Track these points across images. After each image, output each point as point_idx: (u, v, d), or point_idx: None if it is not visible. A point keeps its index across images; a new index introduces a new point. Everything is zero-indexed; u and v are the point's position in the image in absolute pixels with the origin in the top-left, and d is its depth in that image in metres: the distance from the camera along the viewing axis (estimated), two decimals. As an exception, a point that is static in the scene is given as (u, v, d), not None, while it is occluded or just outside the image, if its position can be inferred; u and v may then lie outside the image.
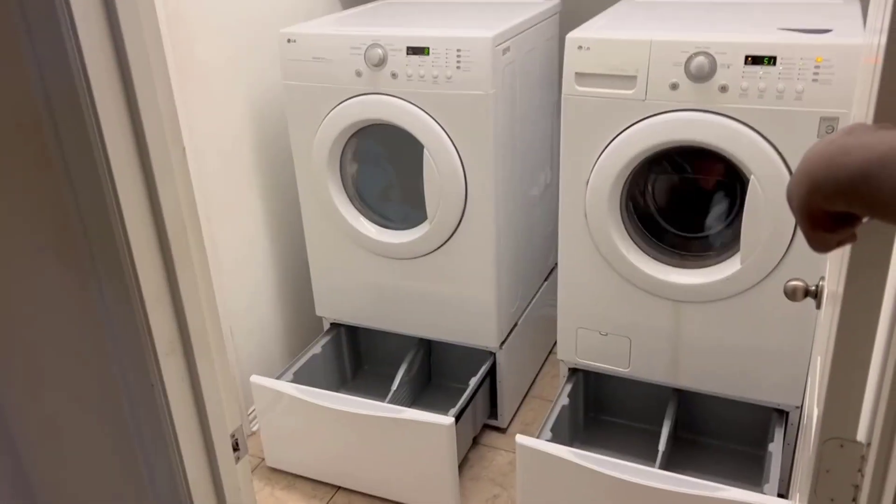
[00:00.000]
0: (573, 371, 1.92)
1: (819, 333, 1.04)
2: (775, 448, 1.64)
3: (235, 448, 0.90)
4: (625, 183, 1.64)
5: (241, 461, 0.91)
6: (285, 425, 1.92)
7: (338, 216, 1.95)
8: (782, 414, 1.72)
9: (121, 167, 0.71)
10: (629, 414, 2.02)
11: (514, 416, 2.16)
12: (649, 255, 1.69)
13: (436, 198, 1.81)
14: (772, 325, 1.62)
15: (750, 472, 1.83)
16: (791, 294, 1.20)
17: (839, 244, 0.55)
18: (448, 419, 1.71)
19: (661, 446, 1.75)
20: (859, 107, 0.93)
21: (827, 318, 0.87)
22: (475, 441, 2.06)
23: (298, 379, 2.00)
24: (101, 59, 0.68)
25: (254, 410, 2.15)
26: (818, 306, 1.20)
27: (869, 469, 0.58)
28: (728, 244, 1.66)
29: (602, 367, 1.85)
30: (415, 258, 1.93)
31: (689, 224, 1.71)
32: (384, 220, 1.98)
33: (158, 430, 0.80)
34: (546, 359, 2.41)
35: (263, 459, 2.03)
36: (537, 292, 2.23)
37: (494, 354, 2.00)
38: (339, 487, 1.94)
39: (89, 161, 0.71)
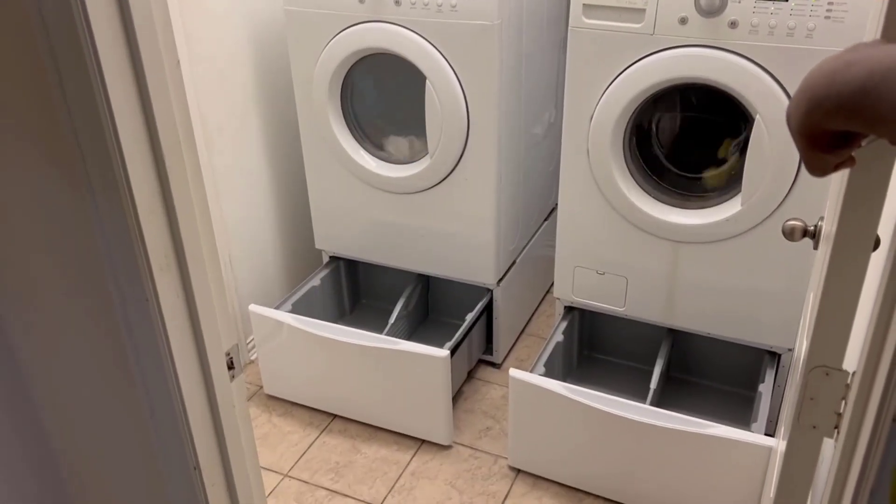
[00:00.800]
0: (569, 309, 1.94)
1: (814, 271, 1.04)
2: (765, 389, 1.66)
3: (231, 367, 0.91)
4: (629, 120, 1.61)
5: (236, 379, 0.92)
6: (283, 354, 1.95)
7: (338, 148, 1.93)
8: (774, 356, 1.74)
9: (114, 76, 0.70)
10: (623, 353, 2.04)
11: (509, 352, 2.19)
12: (650, 195, 1.68)
13: (437, 132, 1.79)
14: (769, 268, 1.62)
15: (740, 412, 1.86)
16: (789, 233, 1.19)
17: (837, 167, 0.54)
18: (443, 352, 1.73)
19: (653, 384, 1.77)
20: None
21: (821, 256, 0.87)
22: (470, 375, 2.09)
23: (297, 310, 2.01)
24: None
25: (252, 340, 2.18)
26: (815, 246, 1.20)
27: (852, 396, 0.58)
28: (729, 185, 1.64)
29: (598, 305, 1.86)
30: (415, 193, 1.92)
31: (691, 164, 1.70)
32: (385, 153, 1.96)
33: (154, 345, 0.81)
34: (543, 298, 2.42)
35: (262, 387, 2.06)
36: (537, 232, 2.23)
37: (491, 291, 2.02)
38: (336, 415, 1.97)
39: (82, 71, 0.69)
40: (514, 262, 2.08)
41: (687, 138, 1.70)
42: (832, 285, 0.61)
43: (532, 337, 2.26)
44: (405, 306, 2.09)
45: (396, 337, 2.04)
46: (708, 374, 1.95)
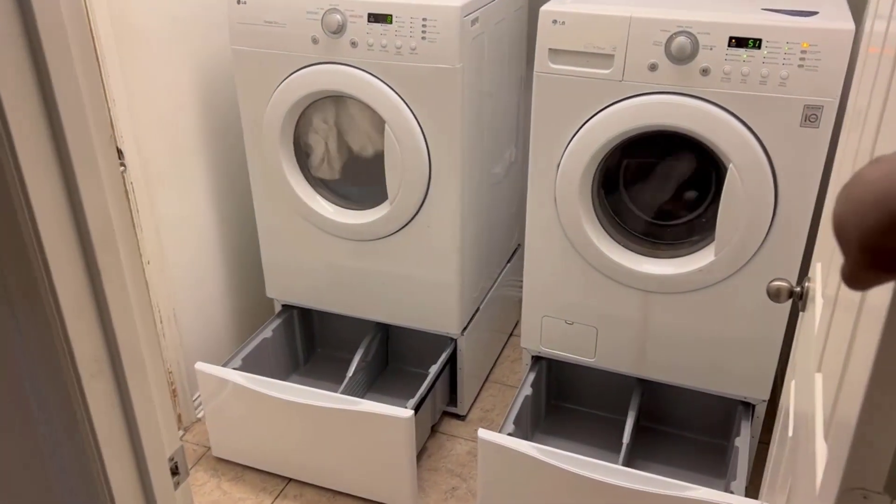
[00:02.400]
0: (536, 359, 1.86)
1: (810, 343, 0.98)
2: (742, 443, 1.60)
3: (175, 472, 0.80)
4: (597, 167, 1.55)
5: (181, 486, 0.81)
6: (233, 414, 1.81)
7: (291, 194, 1.83)
8: (748, 407, 1.68)
9: (30, 157, 0.59)
10: (592, 401, 1.96)
11: (474, 402, 2.09)
12: (619, 244, 1.62)
13: (397, 177, 1.70)
14: (742, 318, 1.57)
15: (713, 462, 1.80)
16: (774, 295, 1.14)
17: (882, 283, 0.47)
18: (407, 412, 1.63)
19: (625, 438, 1.70)
20: (868, 97, 0.85)
21: (835, 331, 0.80)
22: (433, 429, 1.99)
23: (248, 364, 1.89)
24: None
25: (199, 396, 2.04)
26: (802, 308, 1.14)
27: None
28: (702, 234, 1.59)
29: (567, 356, 1.78)
30: (374, 240, 1.82)
31: (661, 212, 1.64)
32: (342, 199, 1.86)
33: (84, 465, 0.69)
34: (506, 342, 2.34)
35: (209, 449, 1.92)
36: (500, 274, 2.15)
37: (455, 341, 1.92)
38: (290, 479, 1.84)
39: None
40: (477, 309, 1.99)
41: (657, 185, 1.65)
42: (878, 393, 0.54)
43: (497, 385, 2.17)
44: (364, 357, 1.98)
45: (355, 390, 1.94)
46: (680, 423, 1.89)
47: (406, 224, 1.77)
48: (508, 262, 2.22)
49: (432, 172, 1.69)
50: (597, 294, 1.67)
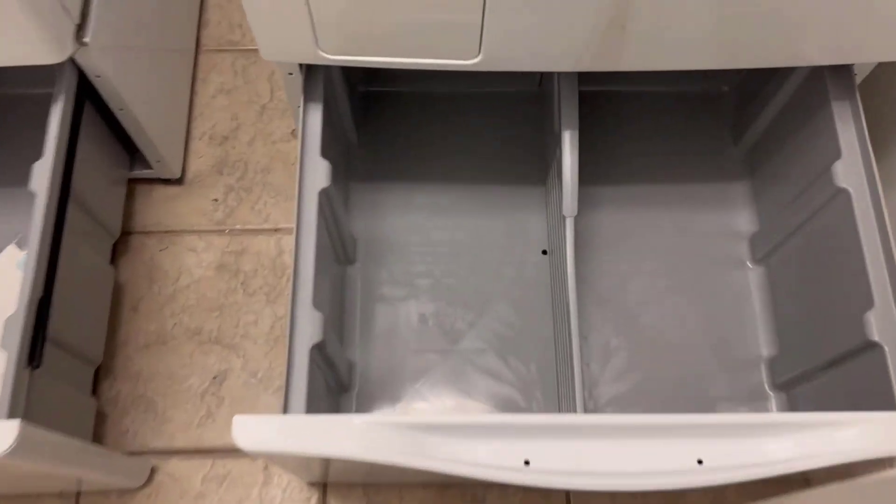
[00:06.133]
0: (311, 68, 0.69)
1: None
2: (845, 176, 0.66)
3: None
4: None
5: None
6: None
7: None
8: (843, 73, 0.70)
9: None
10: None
11: (190, 124, 0.93)
12: None
13: None
14: None
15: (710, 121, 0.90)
16: None
17: None
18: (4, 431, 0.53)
19: (566, 171, 0.72)
20: None
21: None
22: (123, 236, 0.88)
23: None
24: None
25: None
26: None
27: None
28: None
29: (394, 61, 0.63)
30: None
31: None
32: None
33: None
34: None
35: None
36: None
37: (69, 66, 0.68)
38: None
39: None
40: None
41: None
42: None
43: (214, 54, 0.98)
44: None
45: None
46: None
47: None
48: None
49: None
50: None
